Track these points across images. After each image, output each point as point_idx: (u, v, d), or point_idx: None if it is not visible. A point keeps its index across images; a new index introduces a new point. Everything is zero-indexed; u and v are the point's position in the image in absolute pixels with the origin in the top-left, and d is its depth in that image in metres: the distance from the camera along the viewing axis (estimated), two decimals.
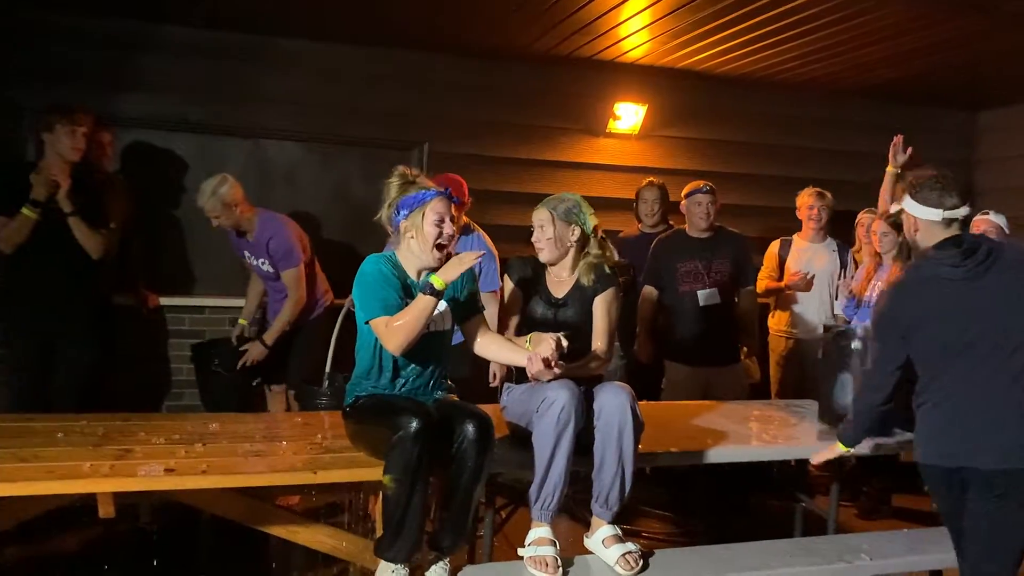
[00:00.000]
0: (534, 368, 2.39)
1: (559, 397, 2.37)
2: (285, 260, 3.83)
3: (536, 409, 2.41)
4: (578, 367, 2.61)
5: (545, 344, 2.43)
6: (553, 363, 2.39)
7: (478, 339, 2.62)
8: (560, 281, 2.79)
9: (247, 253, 3.96)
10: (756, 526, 3.19)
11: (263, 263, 3.92)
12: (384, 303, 2.38)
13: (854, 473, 4.20)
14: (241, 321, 4.16)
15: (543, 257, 2.78)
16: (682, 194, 4.14)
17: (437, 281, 2.32)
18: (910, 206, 2.36)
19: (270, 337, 3.88)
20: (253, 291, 4.15)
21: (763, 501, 4.02)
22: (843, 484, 3.27)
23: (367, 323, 2.42)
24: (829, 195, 4.43)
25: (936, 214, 2.31)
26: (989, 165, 5.73)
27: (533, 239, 2.78)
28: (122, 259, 4.04)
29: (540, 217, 2.77)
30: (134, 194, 4.17)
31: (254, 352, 3.88)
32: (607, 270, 2.78)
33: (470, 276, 2.62)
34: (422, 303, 2.33)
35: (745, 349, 4.19)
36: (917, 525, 3.56)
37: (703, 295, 3.99)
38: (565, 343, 2.46)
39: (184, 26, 4.34)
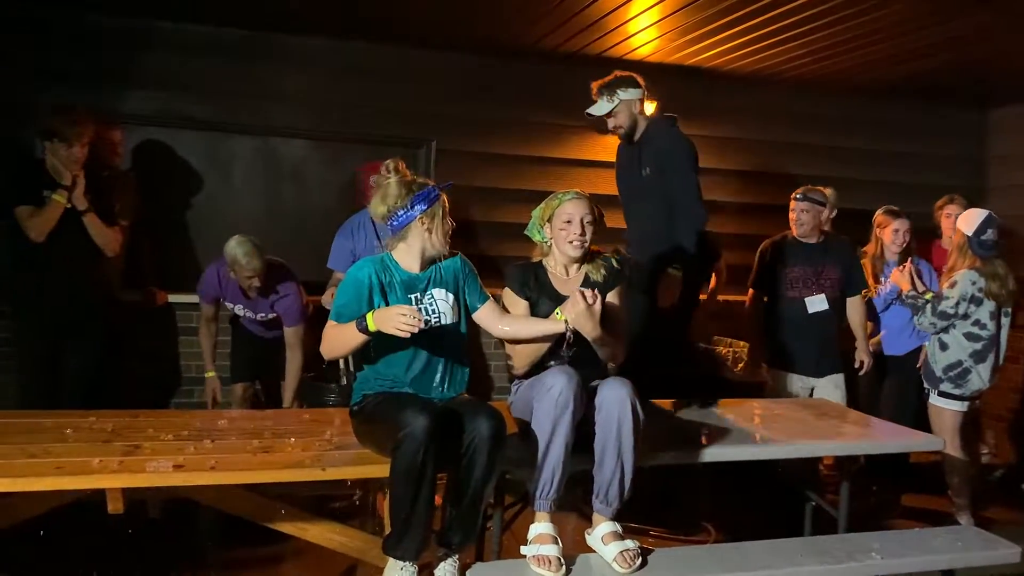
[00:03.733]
0: (581, 304, 2.37)
1: (556, 382, 2.34)
2: (293, 319, 3.78)
3: (536, 396, 2.40)
4: (603, 338, 2.53)
5: (576, 297, 2.40)
6: (591, 301, 2.38)
7: (499, 324, 2.60)
8: (566, 280, 2.72)
9: (241, 306, 3.81)
10: (765, 525, 3.17)
11: (262, 317, 3.81)
12: (339, 310, 2.45)
13: (863, 472, 4.18)
14: (210, 374, 3.92)
15: (578, 253, 2.65)
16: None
17: (371, 323, 2.31)
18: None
19: (288, 398, 3.81)
20: (209, 338, 3.90)
21: (772, 500, 4.00)
22: (852, 483, 3.25)
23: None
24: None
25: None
26: (1000, 162, 5.69)
27: (578, 235, 2.61)
28: (131, 256, 4.06)
29: (583, 209, 2.63)
30: (143, 191, 4.19)
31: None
32: (615, 264, 2.74)
33: (469, 266, 2.63)
34: (349, 334, 2.37)
35: (862, 361, 3.96)
36: (927, 524, 3.54)
37: (811, 301, 3.88)
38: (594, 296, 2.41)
39: (192, 23, 4.35)
